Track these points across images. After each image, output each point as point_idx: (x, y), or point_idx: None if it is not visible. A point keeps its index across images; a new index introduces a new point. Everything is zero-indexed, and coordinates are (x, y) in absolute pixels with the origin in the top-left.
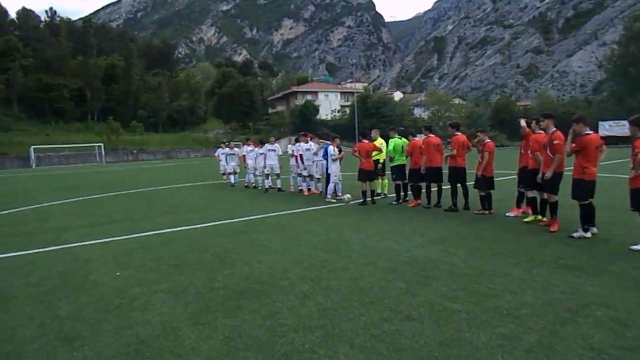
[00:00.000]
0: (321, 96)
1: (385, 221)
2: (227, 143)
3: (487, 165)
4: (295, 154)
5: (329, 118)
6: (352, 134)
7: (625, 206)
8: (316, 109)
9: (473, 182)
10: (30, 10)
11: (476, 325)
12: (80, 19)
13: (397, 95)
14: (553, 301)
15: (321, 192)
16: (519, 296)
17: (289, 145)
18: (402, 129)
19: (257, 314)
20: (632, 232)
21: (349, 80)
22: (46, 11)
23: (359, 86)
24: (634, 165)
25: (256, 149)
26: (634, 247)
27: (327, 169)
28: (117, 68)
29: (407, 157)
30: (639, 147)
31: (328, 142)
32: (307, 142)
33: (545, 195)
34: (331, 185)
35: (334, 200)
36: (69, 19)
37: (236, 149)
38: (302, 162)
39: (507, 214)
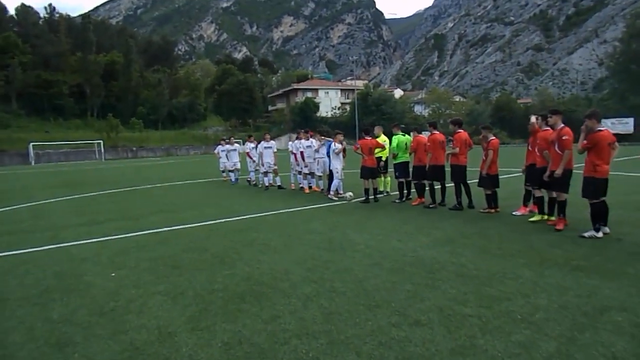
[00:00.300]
0: (321, 93)
1: (389, 220)
2: (227, 140)
3: (491, 163)
4: (296, 151)
5: (329, 115)
6: (352, 132)
7: (637, 204)
8: (316, 106)
9: (477, 180)
10: (29, 7)
11: (489, 331)
12: (80, 15)
13: (398, 93)
14: (568, 305)
15: (322, 189)
16: (532, 300)
17: (290, 143)
18: (403, 126)
19: (258, 318)
20: None
21: (349, 78)
22: (45, 7)
23: (359, 83)
24: None
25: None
26: None
27: (329, 166)
28: (117, 65)
29: (410, 153)
30: None
31: (330, 139)
32: (307, 139)
33: (554, 194)
34: (335, 182)
35: (336, 198)
36: (68, 15)
37: (236, 144)
38: (303, 160)
39: (513, 213)
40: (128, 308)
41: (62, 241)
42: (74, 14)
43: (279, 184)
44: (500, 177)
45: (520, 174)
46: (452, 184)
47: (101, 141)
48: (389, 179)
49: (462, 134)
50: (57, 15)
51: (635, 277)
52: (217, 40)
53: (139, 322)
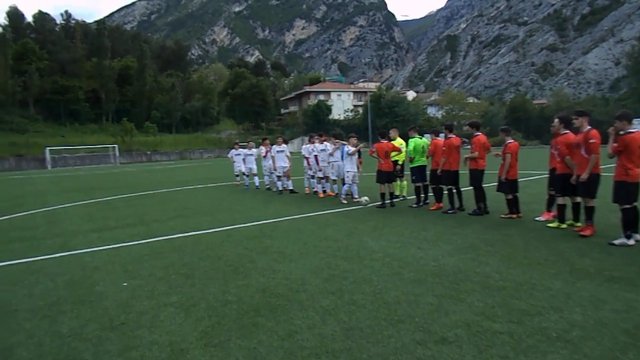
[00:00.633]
0: (334, 96)
1: (407, 226)
2: (239, 143)
3: (510, 168)
4: (309, 155)
5: (342, 118)
6: (365, 134)
7: None
8: (329, 109)
9: (495, 185)
10: (46, 14)
11: (523, 350)
12: (95, 21)
13: (410, 95)
14: (606, 321)
15: (337, 194)
16: (566, 315)
17: (303, 146)
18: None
19: (274, 334)
20: None
21: (362, 80)
22: (61, 14)
23: (372, 86)
24: None
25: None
26: None
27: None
28: (131, 70)
29: (428, 157)
30: None
31: (344, 142)
32: (322, 143)
33: (579, 199)
34: (345, 186)
35: (345, 202)
36: (84, 21)
37: (254, 149)
38: (317, 164)
39: (536, 218)
40: (139, 321)
41: (74, 248)
42: (89, 20)
43: (291, 187)
44: (518, 180)
45: (538, 177)
46: (471, 188)
47: (116, 145)
48: (405, 182)
49: (481, 136)
50: (73, 21)
51: None
52: (229, 44)
53: (151, 337)
